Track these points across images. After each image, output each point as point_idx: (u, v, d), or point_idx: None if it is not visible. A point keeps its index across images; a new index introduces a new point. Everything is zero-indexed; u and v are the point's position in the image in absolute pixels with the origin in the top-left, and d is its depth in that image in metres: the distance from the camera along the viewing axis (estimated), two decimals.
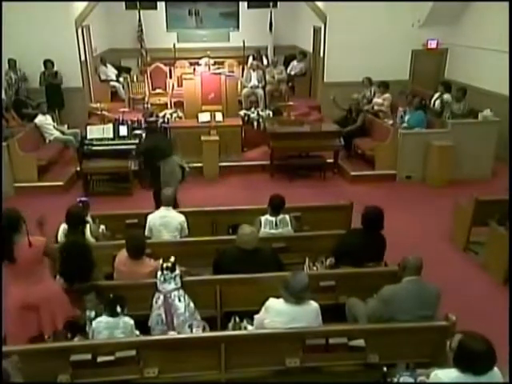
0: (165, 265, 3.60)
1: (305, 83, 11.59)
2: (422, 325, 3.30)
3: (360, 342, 3.17)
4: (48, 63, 9.08)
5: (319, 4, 9.91)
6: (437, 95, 8.48)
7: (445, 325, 3.25)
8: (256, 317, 3.45)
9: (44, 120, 8.21)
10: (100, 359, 3.05)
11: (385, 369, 3.16)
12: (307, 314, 3.26)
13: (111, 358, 3.06)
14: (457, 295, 4.31)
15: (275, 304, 3.29)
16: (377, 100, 8.78)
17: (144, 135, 7.35)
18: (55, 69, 9.21)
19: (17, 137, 7.44)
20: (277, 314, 3.25)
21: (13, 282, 3.35)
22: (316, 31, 10.85)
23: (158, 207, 5.14)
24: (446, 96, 8.25)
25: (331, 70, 9.87)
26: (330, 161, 8.06)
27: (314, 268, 4.36)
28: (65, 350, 3.12)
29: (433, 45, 9.89)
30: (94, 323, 3.38)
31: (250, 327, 3.59)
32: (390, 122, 8.28)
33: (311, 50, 11.37)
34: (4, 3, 8.00)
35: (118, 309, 3.35)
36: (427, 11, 9.38)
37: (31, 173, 7.33)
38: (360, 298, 3.76)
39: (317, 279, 3.88)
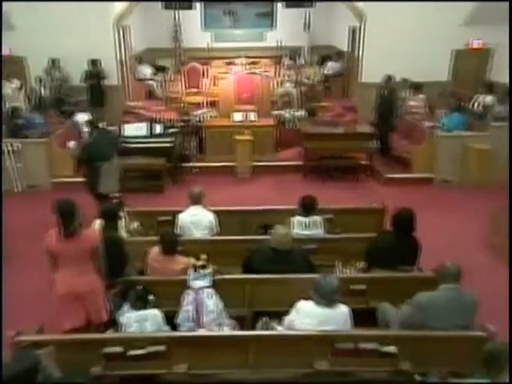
0: (198, 263, 3.63)
1: (340, 83, 11.45)
2: (457, 334, 3.20)
3: (392, 349, 3.10)
4: (92, 62, 9.34)
5: (358, 3, 9.76)
6: (478, 97, 8.20)
7: (481, 335, 3.14)
8: (285, 318, 3.43)
9: (83, 117, 8.45)
10: (131, 353, 3.11)
11: (417, 377, 3.08)
12: (337, 317, 3.22)
13: (142, 351, 3.11)
14: (493, 305, 4.14)
15: (305, 306, 3.26)
16: (410, 103, 8.58)
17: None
18: (99, 68, 9.46)
19: (56, 133, 7.68)
20: (306, 316, 3.22)
21: (61, 271, 3.47)
22: (353, 30, 10.70)
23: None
24: (488, 98, 7.97)
25: (367, 70, 9.71)
26: (364, 162, 7.93)
27: (345, 271, 4.30)
28: (98, 343, 3.21)
29: (477, 45, 9.55)
30: (124, 318, 3.46)
31: (278, 328, 3.57)
32: (429, 124, 8.05)
33: (347, 50, 11.22)
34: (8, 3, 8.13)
35: (150, 297, 3.41)
36: (470, 10, 9.08)
37: (68, 168, 7.56)
38: (392, 303, 3.68)
39: (347, 282, 3.84)
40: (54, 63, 9.36)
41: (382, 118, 8.14)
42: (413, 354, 3.16)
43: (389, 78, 8.18)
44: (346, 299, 3.40)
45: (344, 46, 11.51)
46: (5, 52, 9.42)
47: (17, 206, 6.36)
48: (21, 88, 8.69)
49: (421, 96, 8.53)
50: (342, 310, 3.25)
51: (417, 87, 8.58)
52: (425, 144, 7.46)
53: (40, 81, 9.17)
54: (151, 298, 3.47)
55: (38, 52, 9.20)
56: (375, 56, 9.45)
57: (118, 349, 3.12)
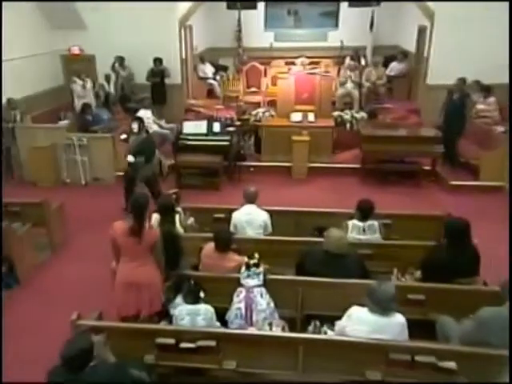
0: (251, 261, 3.63)
1: (404, 85, 11.05)
2: None
3: (451, 364, 2.92)
4: (156, 61, 9.64)
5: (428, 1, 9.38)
6: None
7: None
8: (337, 323, 3.34)
9: (145, 114, 8.74)
10: (182, 345, 3.16)
11: None
12: (392, 327, 3.09)
13: (193, 345, 3.15)
14: None
15: (359, 312, 3.16)
16: (480, 106, 8.11)
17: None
18: (163, 66, 9.73)
19: (120, 129, 8.00)
20: (360, 323, 3.12)
21: (123, 260, 3.63)
22: (421, 30, 10.28)
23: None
24: None
25: (435, 72, 9.29)
26: (427, 168, 7.60)
27: (403, 279, 4.13)
28: (151, 332, 3.29)
29: None
30: (176, 310, 3.52)
31: (330, 332, 3.49)
32: (501, 129, 7.56)
33: (414, 50, 10.81)
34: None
35: (201, 294, 3.46)
36: None
37: None
38: (453, 316, 3.49)
39: (405, 291, 3.68)
40: (120, 61, 9.76)
41: (450, 123, 7.65)
42: (473, 372, 2.97)
43: (463, 82, 7.67)
44: (403, 309, 3.25)
45: (410, 46, 11.08)
46: (75, 50, 9.98)
47: (82, 198, 6.70)
48: (86, 84, 9.11)
49: (491, 99, 8.04)
50: (398, 320, 3.11)
51: (487, 90, 8.09)
52: (495, 150, 7.02)
53: (107, 78, 9.59)
54: (202, 295, 3.51)
55: (105, 50, 9.63)
56: (443, 56, 9.02)
57: (170, 340, 3.18)
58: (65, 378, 2.57)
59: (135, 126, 6.45)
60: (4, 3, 7.94)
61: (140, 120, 6.64)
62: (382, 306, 3.05)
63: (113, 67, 9.72)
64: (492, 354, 3.00)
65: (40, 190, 7.04)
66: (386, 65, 11.13)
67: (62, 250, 5.75)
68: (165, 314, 3.72)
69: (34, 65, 9.14)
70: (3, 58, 8.15)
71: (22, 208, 5.47)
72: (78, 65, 9.39)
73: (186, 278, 3.79)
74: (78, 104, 8.77)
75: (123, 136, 6.69)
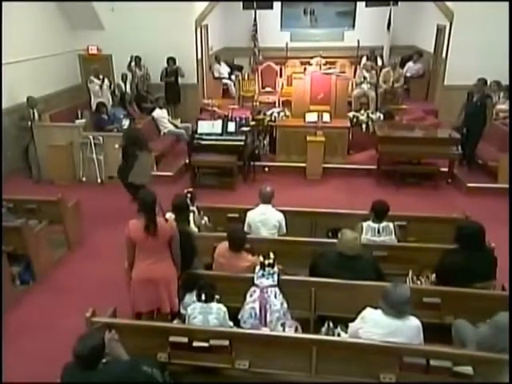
0: (266, 261, 3.62)
1: (422, 86, 10.95)
2: None
3: (467, 369, 2.87)
4: (170, 60, 9.70)
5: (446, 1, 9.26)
6: None
7: None
8: (351, 325, 3.31)
9: (160, 113, 8.81)
10: (195, 344, 3.17)
11: None
12: (407, 330, 3.05)
13: (205, 344, 3.16)
14: None
15: (373, 314, 3.13)
16: (500, 106, 7.96)
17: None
18: (177, 66, 9.78)
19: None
20: (374, 325, 3.09)
21: (139, 257, 3.65)
22: (440, 30, 10.15)
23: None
24: None
25: (453, 72, 9.18)
26: (444, 169, 7.50)
27: (418, 282, 4.08)
28: (164, 331, 3.30)
29: None
30: (189, 309, 3.54)
31: (343, 334, 3.47)
32: None
33: (432, 51, 10.68)
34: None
35: (216, 296, 3.46)
36: None
37: None
38: (470, 320, 3.43)
39: (420, 294, 3.64)
40: (136, 61, 9.84)
41: (471, 124, 7.48)
42: (491, 377, 2.91)
43: (483, 82, 7.50)
44: (418, 312, 3.22)
45: (427, 46, 10.96)
46: (93, 50, 10.09)
47: (97, 196, 6.77)
48: (103, 84, 9.20)
49: None
50: (413, 323, 3.07)
51: (507, 90, 7.94)
52: None
53: (124, 78, 9.68)
54: (217, 297, 3.51)
55: (122, 50, 9.74)
56: (462, 57, 8.91)
57: (183, 339, 3.19)
58: (78, 375, 2.60)
59: (126, 123, 6.49)
60: (20, 4, 8.07)
61: (131, 117, 6.69)
62: (396, 309, 3.02)
63: (129, 67, 9.81)
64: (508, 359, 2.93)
65: (57, 187, 7.13)
66: (402, 65, 11.03)
67: (78, 247, 5.82)
68: (178, 313, 3.74)
69: (53, 64, 9.29)
70: (24, 57, 8.30)
71: (38, 205, 5.56)
72: (95, 64, 9.48)
73: (197, 277, 3.81)
74: (94, 103, 8.86)
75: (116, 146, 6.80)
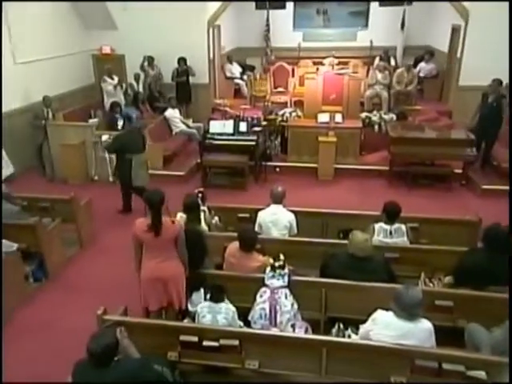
0: (277, 263, 3.61)
1: (436, 86, 10.83)
2: None
3: (480, 374, 2.83)
4: (181, 60, 9.73)
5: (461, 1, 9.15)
6: None
7: None
8: (362, 326, 3.29)
9: (173, 113, 8.85)
10: (205, 343, 3.18)
11: None
12: (419, 333, 3.02)
13: (216, 344, 3.16)
14: None
15: (384, 316, 3.10)
16: None
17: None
18: (187, 65, 9.80)
19: (148, 128, 8.11)
20: (385, 327, 3.06)
21: (147, 256, 3.67)
22: (455, 30, 10.03)
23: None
24: None
25: (468, 73, 9.05)
26: (458, 171, 7.41)
27: (430, 284, 4.03)
28: (174, 330, 3.32)
29: None
30: (198, 308, 3.55)
31: (354, 336, 3.44)
32: None
33: (447, 51, 10.56)
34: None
35: (225, 297, 3.46)
36: None
37: (158, 161, 7.93)
38: (483, 324, 3.38)
39: (433, 297, 3.60)
40: (148, 61, 9.89)
41: (486, 126, 7.37)
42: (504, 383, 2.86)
43: (498, 83, 7.38)
44: (430, 315, 3.18)
45: (442, 46, 10.82)
46: (106, 50, 10.18)
47: (109, 195, 6.80)
48: (119, 84, 9.28)
49: None
50: (425, 326, 3.04)
51: None
52: None
53: (137, 77, 9.74)
54: (226, 301, 3.52)
55: (135, 50, 9.80)
56: (478, 57, 8.78)
57: (194, 338, 3.20)
58: (90, 372, 2.62)
59: (120, 123, 6.52)
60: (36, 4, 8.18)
61: (127, 117, 6.74)
62: (408, 312, 2.99)
63: (142, 67, 9.87)
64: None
65: (70, 186, 7.20)
66: (414, 65, 10.93)
67: (90, 245, 5.87)
68: (187, 312, 3.75)
69: (67, 64, 9.39)
70: (39, 57, 8.41)
71: (52, 204, 5.62)
72: (108, 64, 9.57)
73: (204, 276, 3.81)
74: (107, 102, 8.93)
75: (105, 137, 6.85)
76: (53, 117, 7.94)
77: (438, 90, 10.83)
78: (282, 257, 3.67)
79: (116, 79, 9.30)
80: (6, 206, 5.02)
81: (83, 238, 5.83)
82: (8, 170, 7.51)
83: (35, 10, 8.24)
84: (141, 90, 9.76)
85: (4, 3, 7.45)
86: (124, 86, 9.45)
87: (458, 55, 9.45)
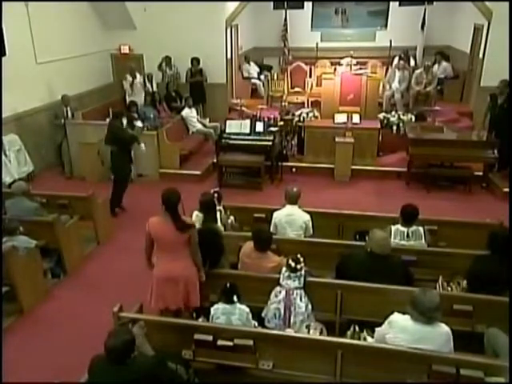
0: (298, 265, 3.58)
1: (456, 87, 10.65)
2: None
3: (500, 380, 2.76)
4: (194, 61, 9.75)
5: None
6: None
7: None
8: (378, 329, 3.24)
9: (189, 113, 8.88)
10: (220, 343, 3.17)
11: None
12: (436, 337, 2.96)
13: (230, 343, 3.16)
14: None
15: (401, 320, 3.05)
16: None
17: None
18: (200, 66, 9.84)
19: (165, 127, 8.17)
20: (401, 331, 3.01)
21: (159, 256, 3.69)
22: (477, 30, 9.85)
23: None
24: None
25: (491, 73, 8.85)
26: (479, 173, 7.27)
27: (449, 288, 3.96)
28: (189, 328, 3.33)
29: None
30: (212, 309, 3.53)
31: (369, 339, 3.40)
32: None
33: (468, 51, 10.38)
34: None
35: (235, 298, 3.45)
36: None
37: (174, 161, 7.99)
38: (503, 330, 3.30)
39: (450, 301, 3.53)
40: (166, 61, 9.95)
41: (499, 127, 7.27)
42: None
43: (506, 84, 7.26)
44: (448, 319, 3.12)
45: (463, 46, 10.64)
46: (125, 49, 10.28)
47: (126, 193, 6.85)
48: (137, 82, 9.35)
49: None
50: (443, 330, 2.98)
51: None
52: None
53: (150, 77, 9.78)
54: (235, 299, 3.49)
55: (153, 50, 9.87)
56: (500, 57, 8.60)
57: (208, 337, 3.20)
58: (107, 368, 2.64)
59: (123, 122, 6.59)
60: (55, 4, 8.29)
61: (130, 117, 6.83)
62: (425, 315, 2.93)
63: (159, 67, 9.93)
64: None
65: (88, 184, 7.29)
66: (435, 65, 10.75)
67: (107, 242, 5.93)
68: (202, 312, 3.75)
69: (87, 63, 9.52)
70: (60, 56, 8.54)
71: (70, 201, 5.69)
72: (126, 64, 9.65)
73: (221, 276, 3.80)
74: (128, 101, 9.01)
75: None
76: (72, 116, 8.05)
77: (458, 90, 10.65)
78: (301, 258, 3.64)
79: (139, 77, 9.37)
80: (25, 202, 5.11)
81: (100, 235, 5.90)
82: (28, 167, 7.66)
83: (56, 11, 8.36)
84: (155, 89, 9.80)
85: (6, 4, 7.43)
86: (146, 85, 9.51)
87: (481, 55, 9.28)
